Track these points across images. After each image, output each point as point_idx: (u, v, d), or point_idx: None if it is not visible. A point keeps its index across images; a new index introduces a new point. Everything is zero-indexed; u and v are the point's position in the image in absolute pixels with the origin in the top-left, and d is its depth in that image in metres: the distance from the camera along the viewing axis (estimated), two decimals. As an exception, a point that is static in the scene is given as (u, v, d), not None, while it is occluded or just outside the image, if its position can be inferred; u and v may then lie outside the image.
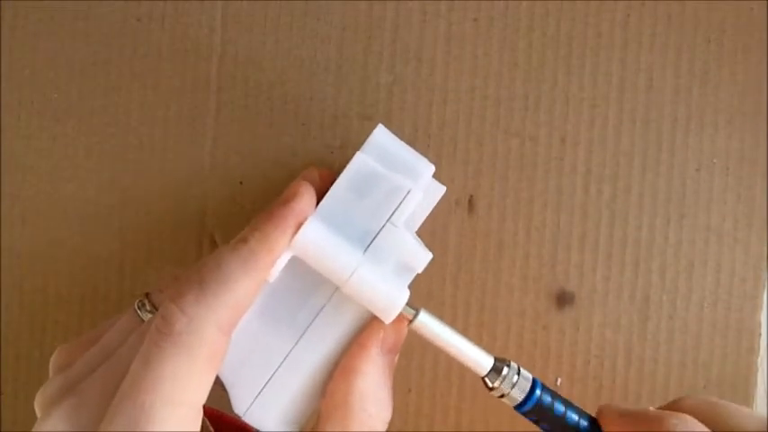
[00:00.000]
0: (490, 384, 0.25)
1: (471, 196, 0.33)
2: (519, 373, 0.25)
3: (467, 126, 0.33)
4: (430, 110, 0.33)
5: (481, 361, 0.25)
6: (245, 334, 0.25)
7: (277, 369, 0.26)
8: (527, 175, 0.33)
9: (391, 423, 0.33)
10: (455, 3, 0.33)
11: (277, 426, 0.26)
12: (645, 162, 0.33)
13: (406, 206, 0.25)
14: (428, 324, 0.25)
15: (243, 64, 0.33)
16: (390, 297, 0.24)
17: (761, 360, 0.33)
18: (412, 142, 0.33)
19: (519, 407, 0.25)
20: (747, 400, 0.33)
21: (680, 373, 0.33)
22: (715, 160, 0.33)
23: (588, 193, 0.33)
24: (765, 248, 0.33)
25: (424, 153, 0.31)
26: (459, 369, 0.33)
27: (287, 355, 0.26)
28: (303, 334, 0.26)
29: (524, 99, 0.33)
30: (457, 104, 0.33)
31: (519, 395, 0.25)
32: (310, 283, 0.26)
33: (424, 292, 0.33)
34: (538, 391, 0.25)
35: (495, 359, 0.25)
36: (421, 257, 0.25)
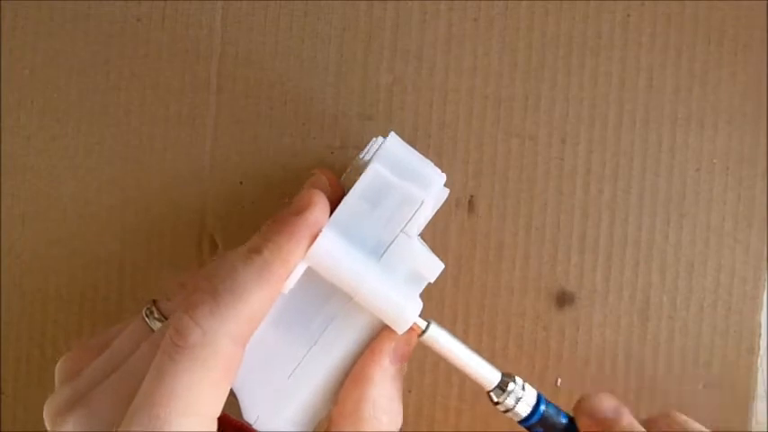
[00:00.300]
0: (495, 399, 0.25)
1: (471, 197, 0.33)
2: (524, 389, 0.25)
3: (467, 126, 0.33)
4: (430, 110, 0.33)
5: (488, 376, 0.25)
6: (257, 342, 0.25)
7: (288, 378, 0.26)
8: (527, 175, 0.33)
9: (391, 423, 0.33)
10: (455, 3, 0.33)
11: None
12: (645, 162, 0.33)
13: (419, 216, 0.25)
14: (438, 337, 0.25)
15: (243, 64, 0.33)
16: (403, 308, 0.24)
17: (761, 360, 0.33)
18: (412, 142, 0.33)
19: (523, 422, 0.26)
20: (747, 400, 0.33)
21: (680, 373, 0.33)
22: (715, 160, 0.33)
23: (588, 193, 0.33)
24: (765, 248, 0.33)
25: (425, 153, 0.31)
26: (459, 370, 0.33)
27: (298, 364, 0.26)
28: (315, 343, 0.26)
29: (524, 99, 0.33)
30: (457, 104, 0.33)
31: (524, 410, 0.25)
32: (323, 292, 0.26)
33: (423, 293, 0.33)
34: (542, 407, 0.25)
35: (503, 375, 0.26)
36: (433, 267, 0.25)
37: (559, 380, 0.33)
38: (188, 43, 0.33)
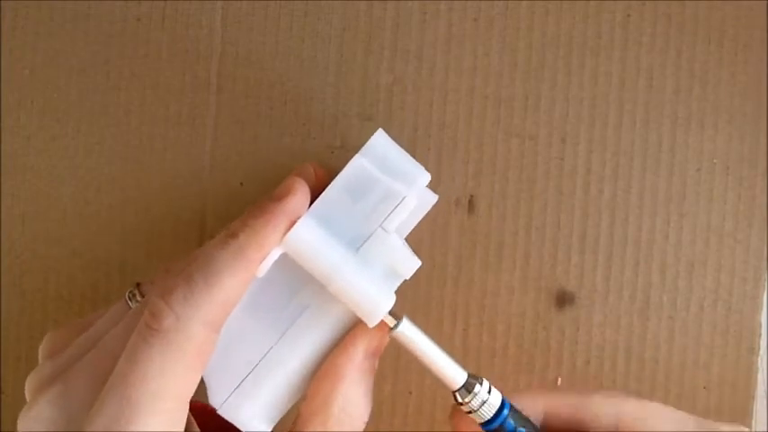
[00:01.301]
0: (460, 399, 0.25)
1: (471, 196, 0.33)
2: (490, 392, 0.25)
3: (467, 126, 0.33)
4: (430, 110, 0.33)
5: (454, 376, 0.25)
6: (229, 327, 0.25)
7: (257, 365, 0.26)
8: (527, 175, 0.33)
9: (391, 424, 0.33)
10: (455, 3, 0.33)
11: (251, 421, 0.26)
12: (645, 162, 0.33)
13: (399, 212, 0.25)
14: (409, 333, 0.25)
15: (243, 64, 0.33)
16: (375, 301, 0.24)
17: (761, 360, 0.33)
18: (412, 142, 0.33)
19: (485, 425, 0.25)
20: (747, 400, 0.33)
21: (680, 373, 0.33)
22: (715, 160, 0.33)
23: (588, 193, 0.33)
24: (766, 248, 0.33)
25: (424, 153, 0.32)
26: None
27: (268, 352, 0.26)
28: (286, 332, 0.26)
29: (524, 99, 0.33)
30: (457, 104, 0.33)
31: (487, 413, 0.25)
32: (297, 281, 0.26)
33: (423, 293, 0.33)
34: (505, 412, 0.25)
35: (469, 375, 0.25)
36: (409, 264, 0.25)
37: (559, 380, 0.33)
38: (188, 43, 0.33)
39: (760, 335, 0.33)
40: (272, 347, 0.26)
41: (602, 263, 0.33)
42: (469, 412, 0.25)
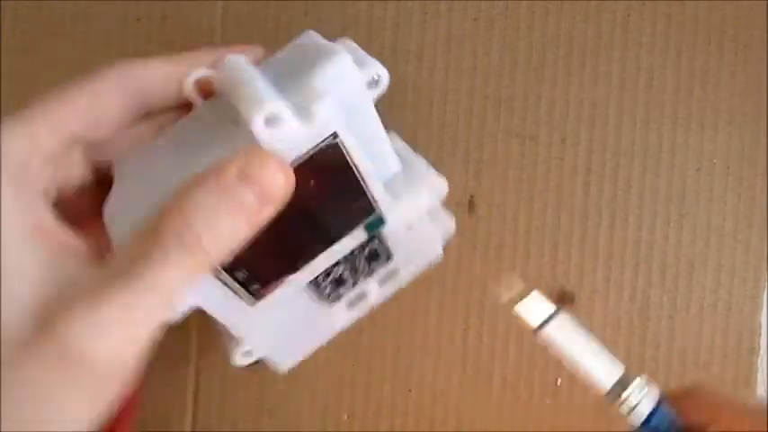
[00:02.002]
0: (616, 399, 0.23)
1: (471, 196, 0.33)
2: (644, 389, 0.23)
3: (467, 126, 0.33)
4: (430, 110, 0.33)
5: (608, 375, 0.23)
6: (144, 157, 0.24)
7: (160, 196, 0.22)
8: (527, 175, 0.33)
9: (391, 423, 0.33)
10: (455, 3, 0.33)
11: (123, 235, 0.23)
12: (645, 162, 0.33)
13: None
14: (563, 330, 0.22)
15: (243, 64, 0.33)
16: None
17: (761, 360, 0.33)
18: (412, 142, 0.33)
19: (644, 424, 0.22)
20: (747, 400, 0.33)
21: (680, 373, 0.33)
22: (715, 160, 0.33)
23: (588, 193, 0.33)
24: (766, 248, 0.33)
25: (425, 153, 0.31)
26: (460, 369, 0.33)
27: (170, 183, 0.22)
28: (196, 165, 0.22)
29: (524, 99, 0.33)
30: (457, 104, 0.33)
31: (642, 413, 0.22)
32: (223, 133, 0.23)
33: (424, 293, 0.33)
34: (664, 410, 0.23)
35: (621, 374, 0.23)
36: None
37: (559, 380, 0.33)
38: (188, 43, 0.33)
39: (760, 335, 0.33)
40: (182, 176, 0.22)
41: (602, 263, 0.33)
42: (627, 411, 0.23)
